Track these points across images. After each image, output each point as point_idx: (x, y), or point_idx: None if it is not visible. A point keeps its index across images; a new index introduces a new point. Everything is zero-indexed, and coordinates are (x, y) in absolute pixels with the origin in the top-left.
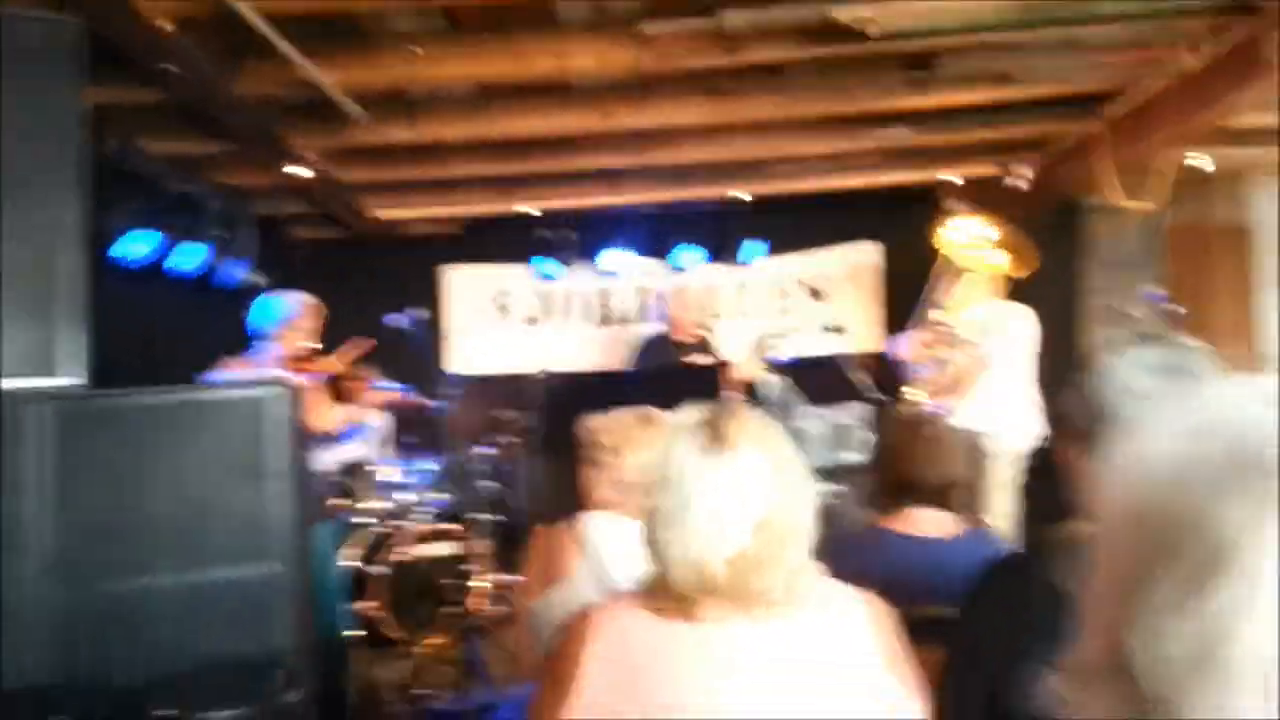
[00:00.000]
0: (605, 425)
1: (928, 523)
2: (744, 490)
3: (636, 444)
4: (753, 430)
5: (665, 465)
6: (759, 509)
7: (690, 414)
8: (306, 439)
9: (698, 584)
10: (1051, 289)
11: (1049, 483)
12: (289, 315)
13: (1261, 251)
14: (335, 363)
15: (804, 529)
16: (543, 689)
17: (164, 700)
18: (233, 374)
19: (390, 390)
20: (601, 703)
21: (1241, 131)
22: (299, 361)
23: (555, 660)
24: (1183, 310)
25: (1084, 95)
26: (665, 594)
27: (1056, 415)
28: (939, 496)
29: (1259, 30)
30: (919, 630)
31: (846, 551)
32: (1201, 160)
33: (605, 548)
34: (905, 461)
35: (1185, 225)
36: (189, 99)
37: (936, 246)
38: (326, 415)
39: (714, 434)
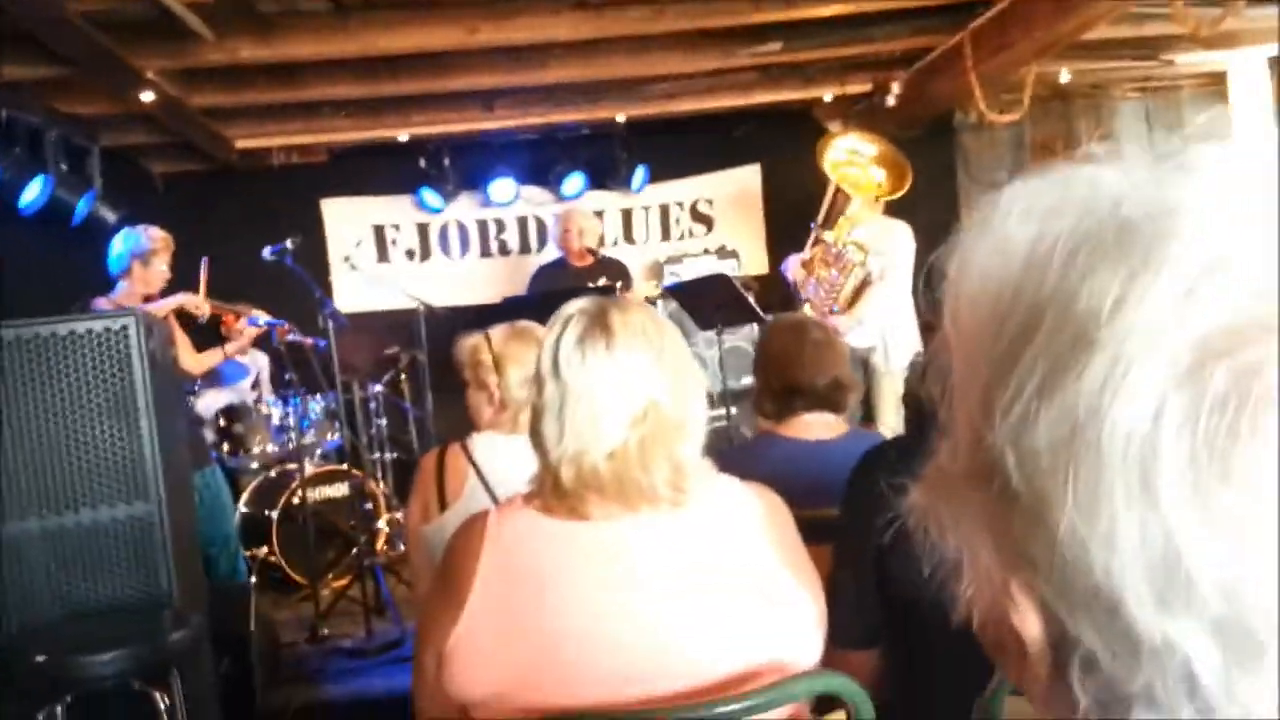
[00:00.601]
0: (482, 343)
1: (816, 426)
2: (624, 382)
3: (516, 358)
4: (635, 321)
5: (545, 357)
6: (640, 402)
7: (573, 305)
8: (177, 377)
9: (580, 480)
10: (927, 205)
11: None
12: (138, 250)
13: None
14: (194, 297)
15: (690, 423)
16: (432, 598)
17: (42, 647)
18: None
19: (266, 325)
20: (492, 608)
21: (1103, 44)
22: (155, 298)
23: (446, 568)
24: None
25: (950, 5)
26: (553, 492)
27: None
28: (828, 400)
29: None
30: (809, 532)
31: (735, 459)
32: (1062, 74)
33: (494, 467)
34: (793, 366)
35: (1051, 139)
36: (16, 18)
37: (819, 165)
38: (192, 355)
39: (595, 324)
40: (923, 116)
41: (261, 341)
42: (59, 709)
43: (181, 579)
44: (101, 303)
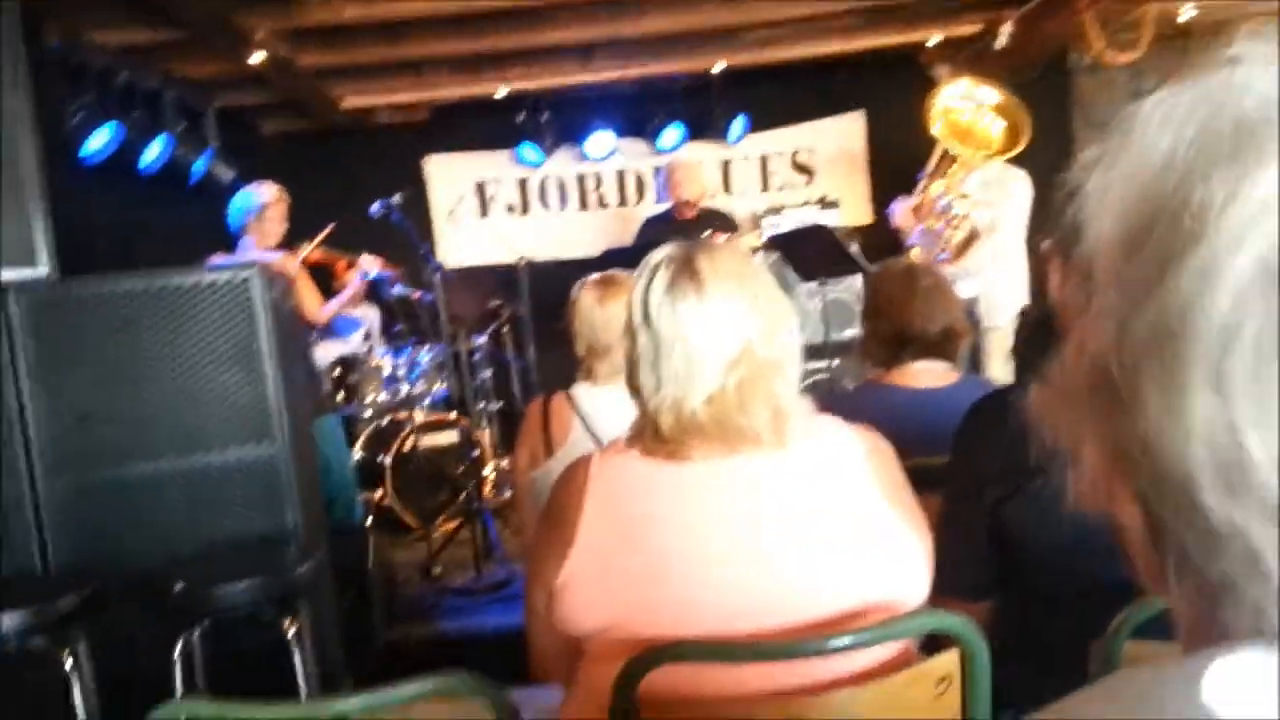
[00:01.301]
0: (580, 294)
1: (925, 374)
2: (717, 327)
3: (609, 308)
4: (726, 265)
5: (636, 307)
6: (734, 345)
7: (661, 253)
8: (301, 328)
9: (680, 426)
10: (1040, 151)
11: (1041, 348)
12: (255, 206)
13: None
14: (311, 246)
15: (787, 364)
16: (541, 538)
17: (182, 577)
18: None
19: (374, 265)
20: (598, 546)
21: None
22: (276, 251)
23: (552, 510)
24: None
25: None
26: (654, 438)
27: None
28: (938, 347)
29: None
30: (918, 480)
31: (841, 406)
32: (1184, 11)
33: (598, 414)
34: (903, 313)
35: (1171, 80)
36: None
37: (927, 113)
38: (317, 305)
39: (683, 271)
40: (1035, 59)
41: (373, 294)
42: (196, 633)
43: (305, 516)
44: (216, 259)
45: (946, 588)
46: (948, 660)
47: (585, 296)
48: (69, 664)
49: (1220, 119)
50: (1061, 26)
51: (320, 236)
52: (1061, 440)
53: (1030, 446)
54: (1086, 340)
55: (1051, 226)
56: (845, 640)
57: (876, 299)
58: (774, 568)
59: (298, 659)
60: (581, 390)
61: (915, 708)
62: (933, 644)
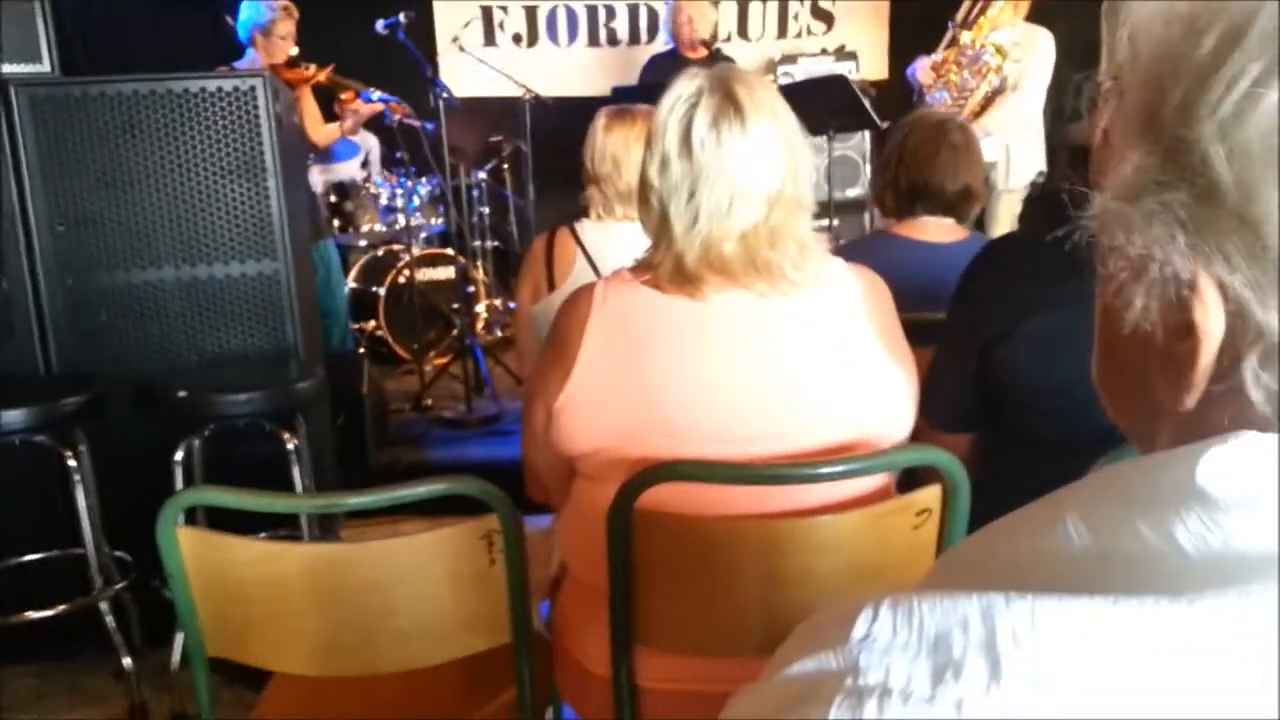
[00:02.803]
0: (603, 144)
1: (935, 228)
2: (760, 162)
3: (620, 143)
4: (762, 97)
5: (672, 137)
6: (773, 182)
7: (695, 81)
8: (301, 144)
9: (705, 262)
10: (1067, 15)
11: (1045, 222)
12: (259, 21)
13: None
14: (318, 72)
15: (810, 199)
16: (543, 360)
17: (184, 384)
18: None
19: (381, 102)
20: (599, 369)
21: None
22: (281, 70)
23: (556, 333)
24: None
25: None
26: (673, 272)
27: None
28: (954, 206)
29: None
30: (918, 333)
31: (847, 255)
32: None
33: (601, 250)
34: (926, 167)
35: None
36: None
37: None
38: (320, 127)
39: (727, 102)
40: None
41: (375, 121)
42: (196, 441)
43: (304, 334)
44: (224, 71)
45: (932, 415)
46: (929, 493)
47: (597, 120)
48: (71, 462)
49: None
50: None
51: (327, 69)
52: (1135, 240)
53: (1031, 289)
54: (1167, 136)
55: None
56: (835, 468)
57: (902, 148)
58: (767, 398)
59: (295, 472)
60: (586, 226)
61: (894, 536)
62: (908, 484)
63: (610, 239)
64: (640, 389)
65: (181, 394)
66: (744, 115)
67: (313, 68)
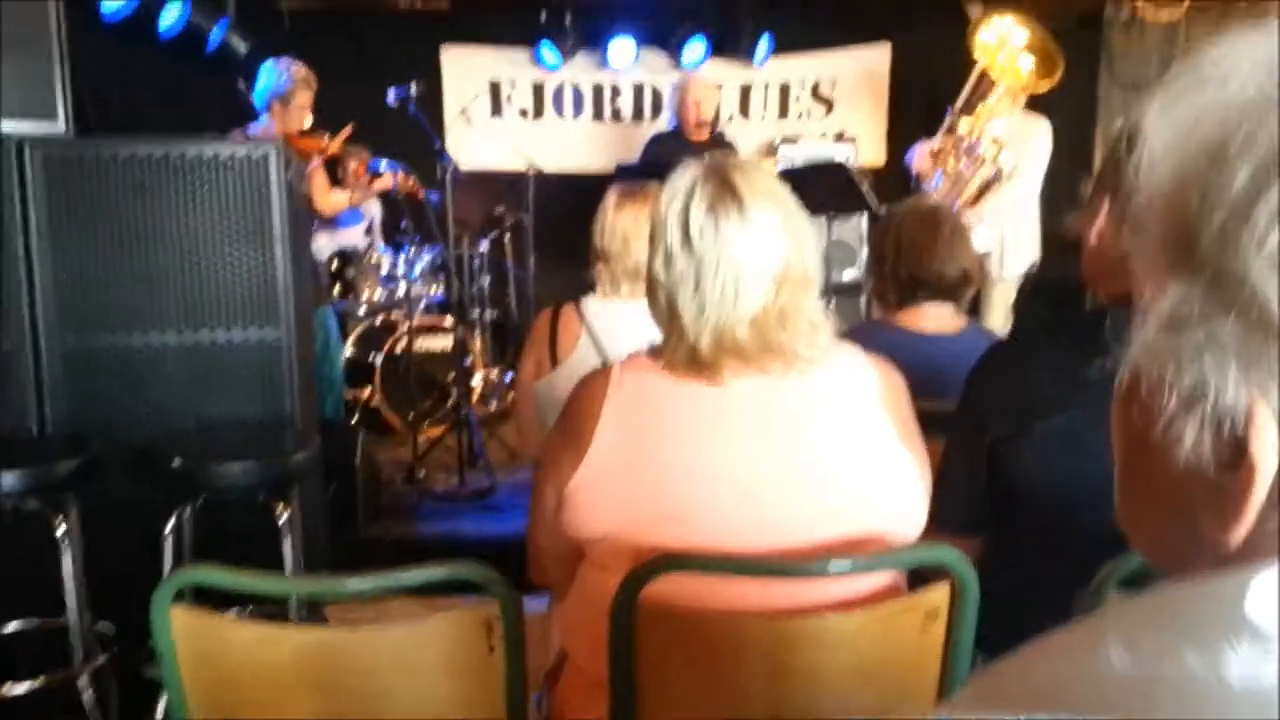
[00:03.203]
0: (613, 222)
1: (934, 317)
2: (761, 245)
3: (626, 223)
4: (759, 181)
5: (673, 229)
6: (777, 262)
7: (690, 172)
8: (309, 212)
9: (719, 347)
10: (1064, 104)
11: (1041, 310)
12: (279, 90)
13: None
14: (330, 142)
15: (816, 278)
16: (555, 441)
17: (180, 451)
18: None
19: (388, 173)
20: (612, 455)
21: None
22: (296, 138)
23: (570, 414)
24: None
25: None
26: (688, 358)
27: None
28: (951, 292)
29: None
30: (923, 424)
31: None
32: None
33: (606, 328)
34: (925, 254)
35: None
36: None
37: (968, 49)
38: (328, 196)
39: (723, 190)
40: (1071, 7)
41: (383, 193)
42: (189, 509)
43: (302, 403)
44: (237, 135)
45: (941, 518)
46: (938, 593)
47: (608, 198)
48: (60, 529)
49: None
50: None
51: (342, 135)
52: (1186, 371)
53: (1040, 389)
54: (1213, 266)
55: (1103, 175)
56: (843, 565)
57: (898, 238)
58: (781, 489)
59: (286, 545)
60: (591, 303)
61: (903, 635)
62: (918, 583)
63: (615, 317)
64: (654, 476)
65: (177, 462)
66: (741, 200)
67: (327, 137)
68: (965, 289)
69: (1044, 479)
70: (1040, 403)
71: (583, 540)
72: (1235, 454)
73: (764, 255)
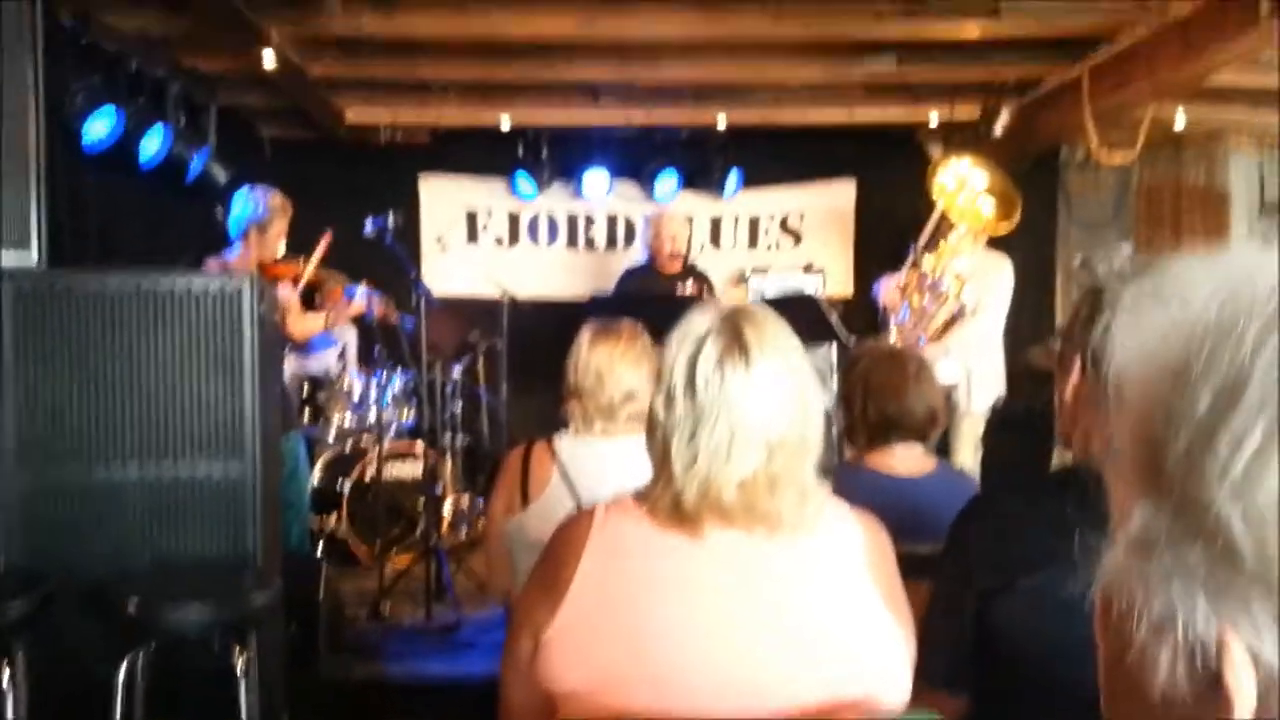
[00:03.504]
0: (586, 359)
1: (905, 460)
2: (765, 406)
3: (602, 361)
4: (770, 337)
5: (678, 374)
6: (777, 428)
7: (705, 318)
8: (280, 341)
9: (704, 502)
10: (1024, 243)
11: (1011, 441)
12: (256, 217)
13: (1235, 216)
14: (305, 266)
15: (816, 445)
16: (533, 586)
17: (135, 592)
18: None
19: (364, 299)
20: (591, 605)
21: (1221, 91)
22: (271, 265)
23: (549, 558)
24: None
25: (1070, 38)
26: (672, 508)
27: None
28: (920, 432)
29: None
30: (904, 567)
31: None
32: (1178, 117)
33: (579, 467)
34: (894, 396)
35: (1159, 185)
36: None
37: (929, 183)
38: (302, 322)
39: (734, 343)
40: (1028, 150)
41: (357, 318)
42: (142, 654)
43: (265, 541)
44: (212, 263)
45: (927, 674)
46: None
47: (582, 334)
48: (5, 676)
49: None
50: (1060, 120)
51: (318, 253)
52: (1155, 598)
53: (1026, 543)
54: (1179, 494)
55: (1071, 333)
56: None
57: (866, 382)
58: (762, 652)
59: (242, 690)
60: (564, 440)
61: None
62: None
63: (588, 455)
64: (632, 630)
65: (132, 603)
66: (749, 356)
67: (302, 261)
68: (933, 428)
69: (1029, 638)
70: (1025, 558)
71: (556, 694)
72: (1210, 686)
73: (764, 418)
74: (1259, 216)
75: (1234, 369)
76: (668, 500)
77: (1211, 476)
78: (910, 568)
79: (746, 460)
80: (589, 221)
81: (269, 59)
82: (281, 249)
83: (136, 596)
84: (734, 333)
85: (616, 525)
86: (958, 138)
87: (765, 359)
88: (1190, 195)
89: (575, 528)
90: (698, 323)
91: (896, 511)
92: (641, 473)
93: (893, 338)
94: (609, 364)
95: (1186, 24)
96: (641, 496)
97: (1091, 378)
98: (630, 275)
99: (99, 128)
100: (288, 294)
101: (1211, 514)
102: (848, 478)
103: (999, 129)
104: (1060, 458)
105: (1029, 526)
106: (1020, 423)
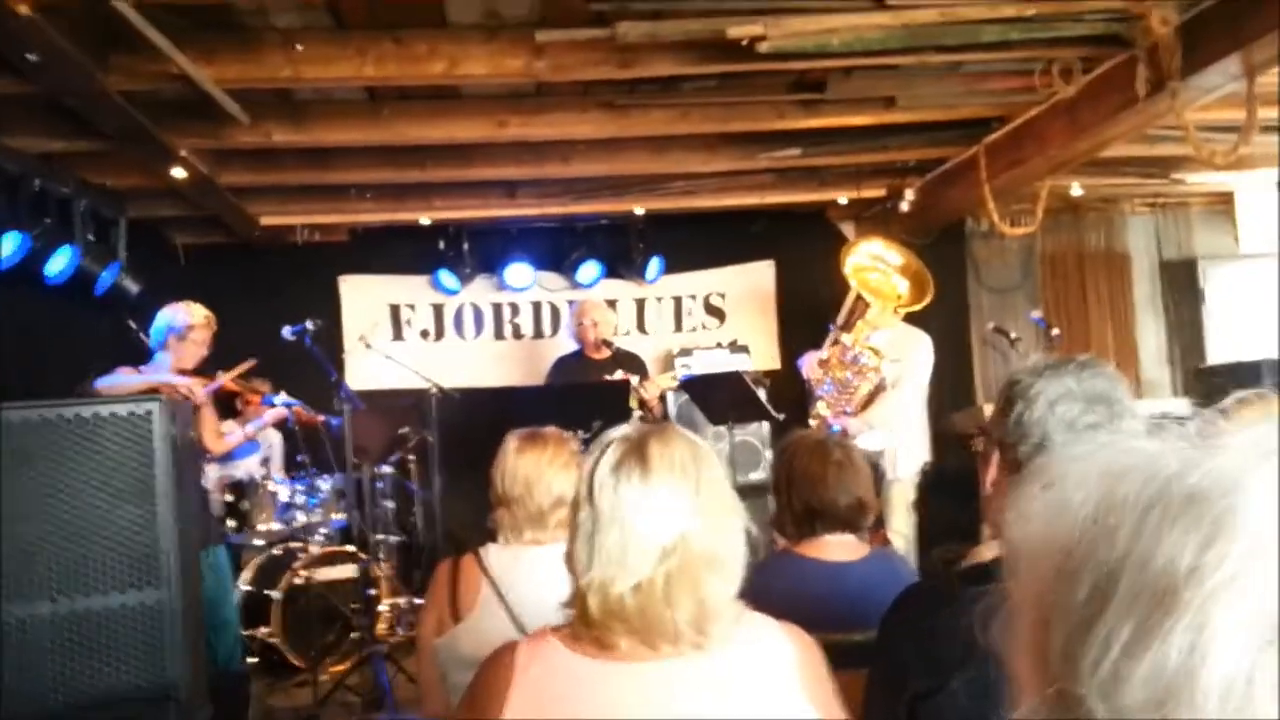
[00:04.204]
0: (505, 443)
1: (836, 547)
2: (656, 513)
3: (529, 466)
4: (674, 453)
5: (584, 481)
6: (669, 535)
7: (617, 431)
8: (197, 456)
9: (606, 609)
10: (937, 309)
11: (942, 503)
12: (176, 328)
13: (1137, 275)
14: (226, 378)
15: (725, 560)
16: None
17: None
18: (123, 383)
19: (284, 406)
20: None
21: (1113, 161)
22: (191, 375)
23: (475, 698)
24: (1059, 333)
25: (966, 120)
26: (581, 620)
27: (980, 430)
28: (848, 521)
29: (1130, 64)
30: (834, 657)
31: (753, 578)
32: (1074, 188)
33: (509, 578)
34: (816, 487)
35: (1061, 251)
36: (54, 92)
37: (842, 264)
38: (218, 438)
39: (632, 453)
40: (935, 223)
41: (279, 423)
42: None
43: (188, 669)
44: (124, 371)
45: None
46: None
47: (508, 443)
48: None
49: (1158, 482)
50: (962, 196)
51: (238, 370)
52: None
53: (955, 642)
54: (1053, 682)
55: (990, 427)
56: None
57: (790, 472)
58: None
59: None
60: (492, 551)
61: None
62: None
63: (518, 565)
64: None
65: None
66: (648, 466)
67: (220, 375)
68: (861, 516)
69: None
70: (955, 655)
71: None
72: None
73: (658, 523)
74: (1159, 274)
75: (1106, 567)
76: (579, 611)
77: (1084, 671)
78: (844, 656)
79: (638, 565)
80: (514, 310)
81: (178, 172)
82: (198, 360)
83: None
84: (636, 443)
85: (540, 663)
86: (868, 214)
87: (664, 469)
88: (1093, 257)
89: (498, 667)
90: (610, 434)
91: (829, 597)
92: (569, 581)
93: (821, 408)
94: (537, 471)
95: (1072, 105)
96: (563, 613)
97: (1007, 468)
98: (561, 363)
99: (3, 250)
100: (204, 406)
101: (1084, 709)
102: (777, 565)
103: (905, 206)
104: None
105: (955, 620)
106: (949, 485)
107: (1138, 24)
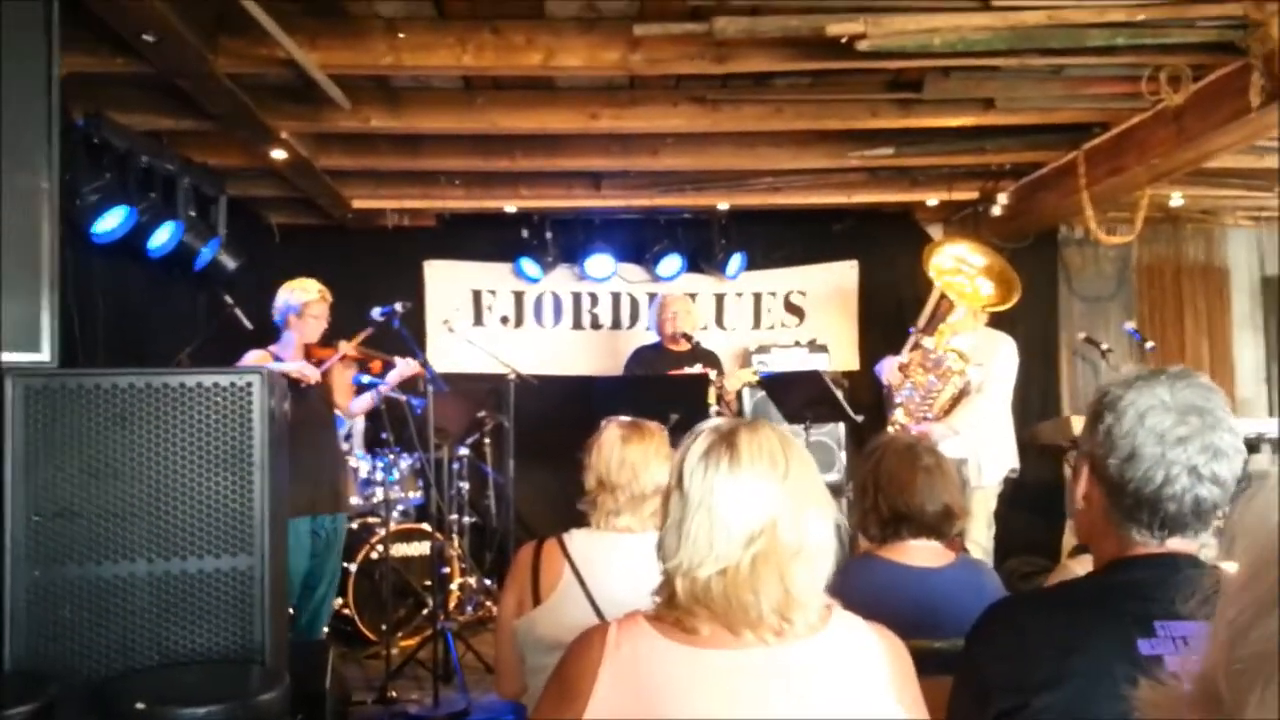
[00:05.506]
0: (606, 430)
1: (920, 552)
2: (743, 500)
3: (617, 455)
4: (762, 442)
5: (675, 469)
6: (756, 521)
7: (709, 422)
8: (333, 418)
9: (692, 594)
10: (1026, 317)
11: (1020, 515)
12: (296, 305)
13: (1236, 289)
14: (348, 347)
15: (812, 550)
16: (551, 700)
17: (139, 693)
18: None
19: (409, 365)
20: None
21: (1217, 172)
22: (314, 348)
23: (565, 676)
24: (1154, 346)
25: (1065, 125)
26: (668, 604)
27: (1071, 444)
28: (934, 527)
29: (1243, 72)
30: (918, 662)
31: (834, 580)
32: (1175, 198)
33: (590, 563)
34: (904, 492)
35: (1159, 262)
36: (165, 72)
37: (926, 264)
38: (348, 399)
39: (721, 441)
40: (1027, 229)
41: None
42: None
43: (273, 635)
44: (251, 355)
45: None
46: None
47: (611, 431)
48: None
49: None
50: (1058, 201)
51: (357, 338)
52: None
53: (1042, 662)
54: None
55: (1083, 434)
56: None
57: (878, 475)
58: None
59: None
60: (576, 537)
61: None
62: None
63: (601, 551)
64: None
65: (139, 706)
66: (736, 454)
67: (341, 344)
68: (948, 524)
69: None
70: (1041, 677)
71: None
72: None
73: (745, 509)
74: (1259, 290)
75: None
76: (666, 595)
77: (1220, 635)
78: (927, 663)
79: (725, 551)
80: (594, 300)
81: (278, 154)
82: (319, 334)
83: (143, 699)
84: (726, 433)
85: (631, 643)
86: (957, 217)
87: (751, 458)
88: (1190, 270)
89: (590, 646)
90: (702, 425)
91: (914, 603)
92: (652, 570)
93: (899, 414)
94: (644, 459)
95: (1179, 113)
96: (653, 599)
97: (1098, 483)
98: (640, 354)
99: (110, 223)
100: (335, 369)
101: (1213, 673)
102: (859, 567)
103: (997, 210)
104: (1072, 534)
105: (1044, 643)
106: (1028, 497)
107: (1254, 31)
